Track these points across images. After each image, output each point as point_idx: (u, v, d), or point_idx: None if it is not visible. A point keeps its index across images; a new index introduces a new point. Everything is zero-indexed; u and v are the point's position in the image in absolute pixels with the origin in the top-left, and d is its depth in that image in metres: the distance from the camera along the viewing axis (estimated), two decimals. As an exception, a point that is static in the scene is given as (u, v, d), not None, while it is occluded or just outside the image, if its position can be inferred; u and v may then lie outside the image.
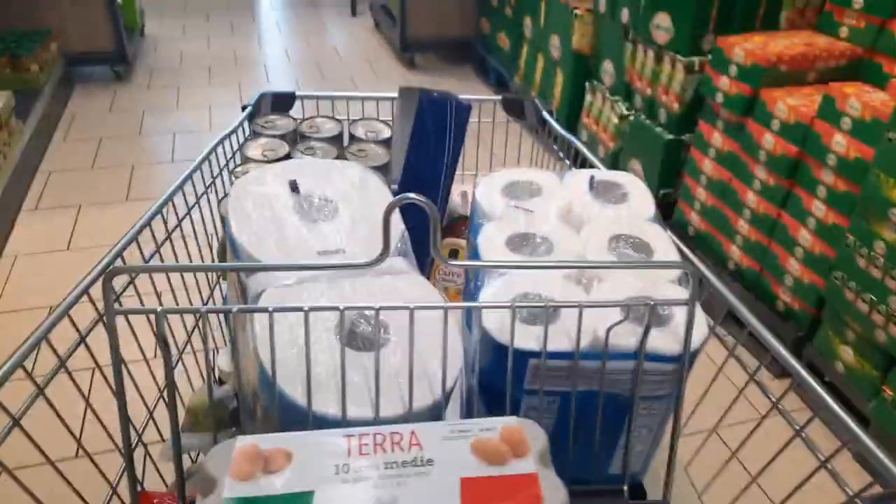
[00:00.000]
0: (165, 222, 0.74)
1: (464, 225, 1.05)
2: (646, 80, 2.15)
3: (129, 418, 0.50)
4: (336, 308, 0.50)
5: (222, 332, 0.94)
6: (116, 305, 0.48)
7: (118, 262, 0.60)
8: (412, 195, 0.46)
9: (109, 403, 0.52)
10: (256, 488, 0.38)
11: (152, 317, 0.46)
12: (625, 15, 2.22)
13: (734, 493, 0.60)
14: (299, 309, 0.49)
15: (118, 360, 0.48)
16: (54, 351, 0.52)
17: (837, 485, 0.45)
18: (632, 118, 2.23)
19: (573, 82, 2.61)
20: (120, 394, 0.50)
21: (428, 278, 1.02)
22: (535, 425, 0.45)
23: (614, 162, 2.34)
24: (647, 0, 2.05)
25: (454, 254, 1.02)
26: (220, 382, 0.85)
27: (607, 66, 2.42)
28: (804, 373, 0.49)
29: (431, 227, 0.47)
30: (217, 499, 0.38)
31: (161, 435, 0.70)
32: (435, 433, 0.44)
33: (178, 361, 0.76)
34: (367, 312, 0.58)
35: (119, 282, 0.60)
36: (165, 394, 0.51)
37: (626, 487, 0.57)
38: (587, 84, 2.52)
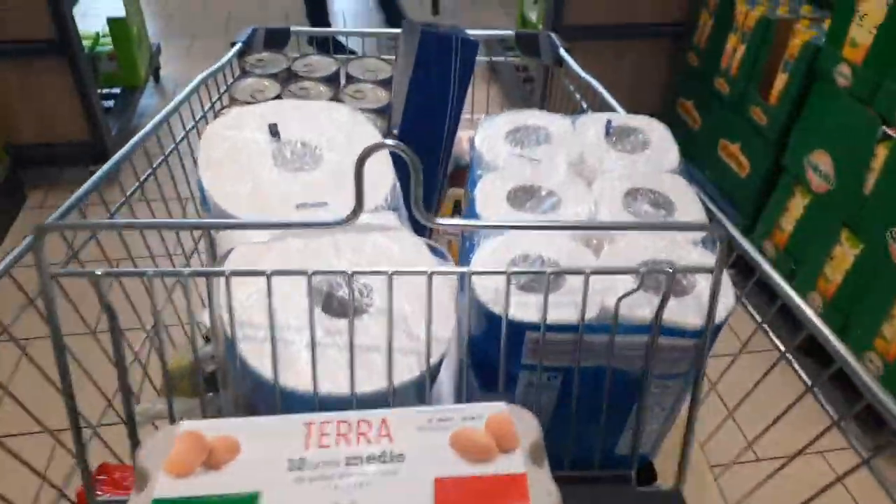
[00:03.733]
0: (137, 175, 0.68)
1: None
2: None
3: (73, 396, 0.44)
4: (303, 273, 0.43)
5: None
6: (56, 269, 0.42)
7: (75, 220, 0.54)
8: (387, 141, 0.39)
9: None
10: (193, 487, 0.33)
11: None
12: None
13: (754, 480, 0.54)
14: (260, 273, 0.43)
15: (57, 332, 0.43)
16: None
17: (875, 479, 0.39)
18: None
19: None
20: (63, 371, 0.44)
21: (431, 232, 0.96)
22: (527, 413, 0.39)
23: None
24: None
25: (458, 205, 0.94)
26: (207, 340, 0.81)
27: None
28: (844, 352, 0.42)
29: (413, 179, 0.40)
30: (147, 497, 0.32)
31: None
32: (410, 422, 0.37)
33: (153, 330, 0.71)
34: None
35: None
36: (117, 367, 0.46)
37: (633, 473, 0.51)
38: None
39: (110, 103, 2.36)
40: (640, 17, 2.15)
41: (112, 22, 2.42)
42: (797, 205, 1.62)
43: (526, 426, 0.38)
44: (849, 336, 1.43)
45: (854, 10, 1.42)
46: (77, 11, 2.05)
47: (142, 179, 0.67)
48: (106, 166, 0.60)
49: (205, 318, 0.79)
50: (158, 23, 3.39)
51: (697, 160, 2.09)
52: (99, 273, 0.41)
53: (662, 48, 2.27)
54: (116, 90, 2.46)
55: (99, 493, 0.47)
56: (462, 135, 1.05)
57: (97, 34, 2.52)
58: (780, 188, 1.69)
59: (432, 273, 0.44)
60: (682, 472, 0.50)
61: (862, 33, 1.40)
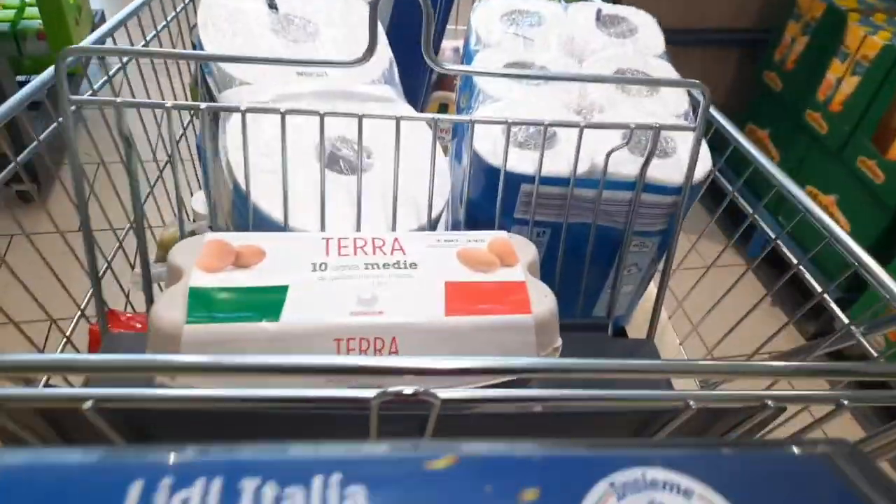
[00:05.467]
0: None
1: (454, 79, 0.99)
2: None
3: (93, 237, 0.46)
4: (315, 113, 0.46)
5: (196, 175, 0.89)
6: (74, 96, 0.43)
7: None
8: (403, -22, 0.41)
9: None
10: (225, 280, 0.36)
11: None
12: None
13: (712, 345, 0.59)
14: (275, 111, 0.45)
15: (77, 164, 0.44)
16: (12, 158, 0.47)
17: (833, 314, 0.44)
18: None
19: None
20: (82, 205, 0.46)
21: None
22: (524, 239, 0.43)
23: None
24: None
25: (443, 108, 0.96)
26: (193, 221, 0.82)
27: None
28: (811, 203, 0.47)
29: (424, 23, 0.42)
30: (182, 288, 0.35)
31: (132, 264, 0.68)
32: (420, 241, 0.41)
33: (149, 194, 0.73)
34: (348, 137, 0.54)
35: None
36: (131, 203, 0.48)
37: (610, 325, 0.55)
38: None
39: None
40: (707, 21, 1.72)
41: (40, -7, 1.73)
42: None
43: (524, 248, 0.41)
44: None
45: None
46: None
47: (148, 40, 0.67)
48: (94, 36, 0.59)
49: (196, 202, 0.81)
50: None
51: (769, 203, 1.63)
52: (118, 101, 0.42)
53: (729, 58, 1.82)
54: (48, 77, 1.96)
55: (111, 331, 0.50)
56: (446, 44, 1.06)
57: (22, 3, 1.87)
58: (901, 265, 1.31)
59: (436, 118, 0.47)
60: (653, 326, 0.55)
61: None
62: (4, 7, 1.82)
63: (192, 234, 0.71)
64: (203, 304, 0.34)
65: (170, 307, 0.34)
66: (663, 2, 1.56)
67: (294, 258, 0.38)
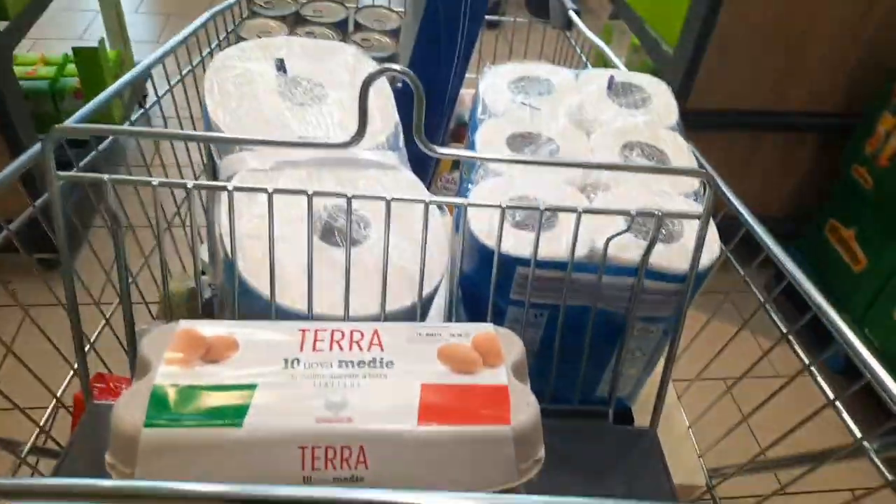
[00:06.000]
0: (141, 104, 0.68)
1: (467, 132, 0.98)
2: None
3: (77, 302, 0.46)
4: (303, 192, 0.44)
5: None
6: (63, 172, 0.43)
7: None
8: (393, 66, 0.40)
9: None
10: (192, 377, 0.34)
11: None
12: None
13: (724, 431, 0.56)
14: (262, 190, 0.44)
15: (64, 236, 0.44)
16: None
17: (845, 426, 0.41)
18: None
19: None
20: (67, 280, 0.45)
21: (428, 187, 0.97)
22: (512, 335, 0.40)
23: None
24: None
25: (458, 162, 0.95)
26: (204, 273, 0.82)
27: None
28: (824, 304, 0.44)
29: (416, 108, 0.41)
30: (147, 385, 0.34)
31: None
32: (400, 334, 0.39)
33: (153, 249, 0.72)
34: (345, 207, 0.53)
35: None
36: (117, 276, 0.47)
37: (611, 411, 0.53)
38: None
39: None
40: (787, 104, 1.52)
41: (79, 52, 1.73)
42: None
43: (511, 345, 0.39)
44: None
45: None
46: (39, 31, 1.55)
47: (147, 107, 0.68)
48: (110, 90, 0.60)
49: (203, 251, 0.81)
50: (155, 22, 2.73)
51: (852, 311, 1.46)
52: (105, 178, 0.42)
53: (809, 144, 1.61)
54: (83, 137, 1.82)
55: (96, 398, 0.49)
56: (465, 93, 1.05)
57: (65, 59, 1.85)
58: None
59: (429, 202, 0.45)
60: (656, 414, 0.52)
61: None
62: (47, 63, 1.81)
63: (193, 292, 0.71)
64: (164, 406, 0.33)
65: (131, 407, 0.33)
66: (740, 82, 1.47)
67: (266, 352, 0.36)
